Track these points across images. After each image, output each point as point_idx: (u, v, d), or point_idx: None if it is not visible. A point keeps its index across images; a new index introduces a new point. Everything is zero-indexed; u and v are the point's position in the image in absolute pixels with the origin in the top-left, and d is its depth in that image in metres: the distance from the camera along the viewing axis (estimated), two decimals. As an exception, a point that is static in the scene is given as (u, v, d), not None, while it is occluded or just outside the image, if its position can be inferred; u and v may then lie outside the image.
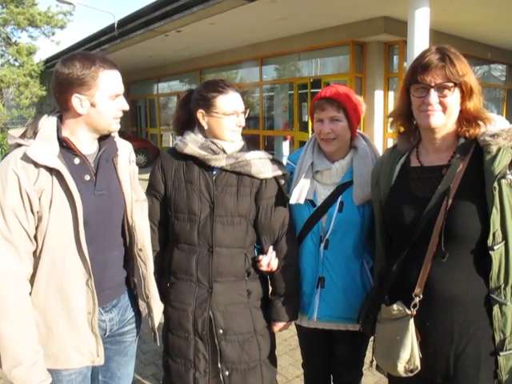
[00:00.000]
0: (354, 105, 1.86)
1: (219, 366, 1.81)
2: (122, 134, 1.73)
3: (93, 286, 1.49)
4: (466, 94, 1.39)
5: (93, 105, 1.48)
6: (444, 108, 1.39)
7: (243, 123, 1.85)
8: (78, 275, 1.47)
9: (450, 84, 1.36)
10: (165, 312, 1.89)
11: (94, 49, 11.94)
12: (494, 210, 1.30)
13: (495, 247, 1.31)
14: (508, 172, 1.30)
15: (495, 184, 1.30)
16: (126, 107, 1.55)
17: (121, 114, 1.55)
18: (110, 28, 10.98)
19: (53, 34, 15.58)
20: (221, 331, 1.80)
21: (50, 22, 14.96)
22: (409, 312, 1.41)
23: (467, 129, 1.42)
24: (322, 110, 1.85)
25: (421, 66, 1.39)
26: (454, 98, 1.38)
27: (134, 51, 11.89)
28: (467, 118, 1.41)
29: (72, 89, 1.44)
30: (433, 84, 1.36)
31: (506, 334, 1.36)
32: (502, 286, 1.34)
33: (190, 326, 1.82)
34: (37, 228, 1.43)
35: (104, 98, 1.48)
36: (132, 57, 12.89)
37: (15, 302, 1.39)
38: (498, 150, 1.32)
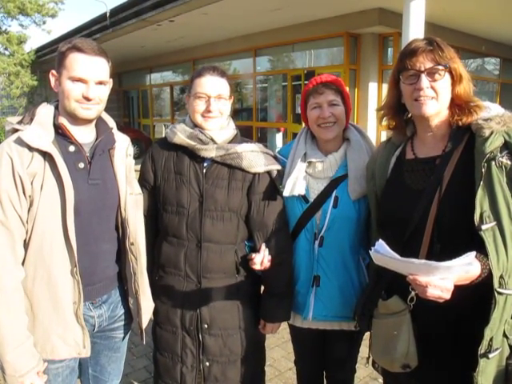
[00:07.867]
0: (347, 92, 1.88)
1: (200, 357, 1.80)
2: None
3: (78, 276, 1.47)
4: (456, 79, 1.40)
5: (60, 83, 1.49)
6: (436, 93, 1.39)
7: (214, 109, 1.72)
8: (64, 263, 1.46)
9: (440, 67, 1.37)
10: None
11: (85, 38, 11.78)
12: (480, 190, 1.28)
13: (483, 226, 1.26)
14: (499, 155, 1.29)
15: (484, 163, 1.28)
16: (89, 94, 1.47)
17: (84, 101, 1.48)
18: (102, 17, 10.84)
19: (44, 22, 15.26)
20: (205, 326, 1.77)
21: (41, 10, 14.65)
22: (406, 306, 1.40)
23: (460, 117, 1.42)
24: (319, 94, 1.79)
25: (409, 52, 1.40)
26: (444, 82, 1.39)
27: (126, 41, 11.74)
28: (459, 105, 1.41)
29: (54, 66, 1.51)
30: (423, 69, 1.38)
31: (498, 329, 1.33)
32: (504, 274, 1.26)
33: (177, 321, 1.79)
34: (28, 212, 1.42)
35: (65, 78, 1.47)
36: (124, 47, 12.73)
37: (10, 284, 1.38)
38: (491, 133, 1.31)
